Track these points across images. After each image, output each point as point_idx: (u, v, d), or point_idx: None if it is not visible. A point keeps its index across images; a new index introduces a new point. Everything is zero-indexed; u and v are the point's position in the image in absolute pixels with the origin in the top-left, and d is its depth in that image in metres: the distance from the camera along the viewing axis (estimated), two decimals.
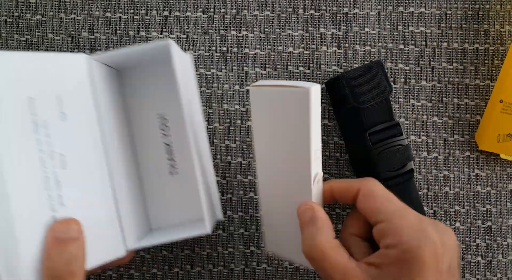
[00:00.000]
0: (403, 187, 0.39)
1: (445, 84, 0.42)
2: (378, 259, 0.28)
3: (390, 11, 0.42)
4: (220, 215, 0.39)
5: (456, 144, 0.42)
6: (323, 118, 0.42)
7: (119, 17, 0.41)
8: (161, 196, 0.39)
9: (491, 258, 0.42)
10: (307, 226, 0.30)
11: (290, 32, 0.41)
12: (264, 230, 0.36)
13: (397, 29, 0.42)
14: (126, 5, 0.41)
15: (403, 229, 0.28)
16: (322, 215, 0.30)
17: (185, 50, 0.41)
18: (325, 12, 0.41)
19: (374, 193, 0.30)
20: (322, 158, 0.42)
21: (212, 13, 0.41)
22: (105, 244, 0.32)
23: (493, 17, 0.42)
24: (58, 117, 0.31)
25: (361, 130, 0.38)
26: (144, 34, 0.41)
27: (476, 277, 0.42)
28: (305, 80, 0.42)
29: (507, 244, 0.42)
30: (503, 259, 0.42)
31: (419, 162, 0.42)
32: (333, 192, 0.33)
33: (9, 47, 0.40)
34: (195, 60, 0.41)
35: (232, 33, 0.41)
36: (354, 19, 0.42)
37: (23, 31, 0.41)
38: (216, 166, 0.41)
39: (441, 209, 0.42)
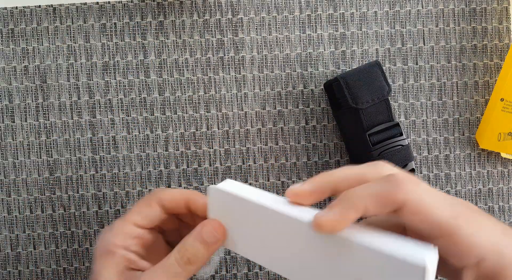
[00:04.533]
0: None
1: (444, 82, 0.42)
2: None
3: (387, 10, 0.41)
4: None
5: (456, 141, 0.42)
6: (322, 120, 0.41)
7: (115, 23, 0.41)
8: None
9: None
10: None
11: (287, 34, 0.41)
12: None
13: (394, 28, 0.42)
14: (121, 12, 0.41)
15: (476, 248, 0.23)
16: None
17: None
18: (321, 13, 0.41)
19: (423, 209, 0.23)
20: (323, 160, 0.41)
21: (208, 17, 0.41)
22: None
23: (490, 14, 0.42)
24: None
25: (361, 132, 0.38)
26: (140, 40, 0.41)
27: None
28: (303, 82, 0.41)
29: None
30: None
31: (420, 161, 0.42)
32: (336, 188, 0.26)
33: (5, 56, 0.40)
34: (192, 64, 0.41)
35: (228, 36, 0.41)
36: (351, 19, 0.41)
37: (19, 40, 0.40)
38: (216, 170, 0.41)
39: None
